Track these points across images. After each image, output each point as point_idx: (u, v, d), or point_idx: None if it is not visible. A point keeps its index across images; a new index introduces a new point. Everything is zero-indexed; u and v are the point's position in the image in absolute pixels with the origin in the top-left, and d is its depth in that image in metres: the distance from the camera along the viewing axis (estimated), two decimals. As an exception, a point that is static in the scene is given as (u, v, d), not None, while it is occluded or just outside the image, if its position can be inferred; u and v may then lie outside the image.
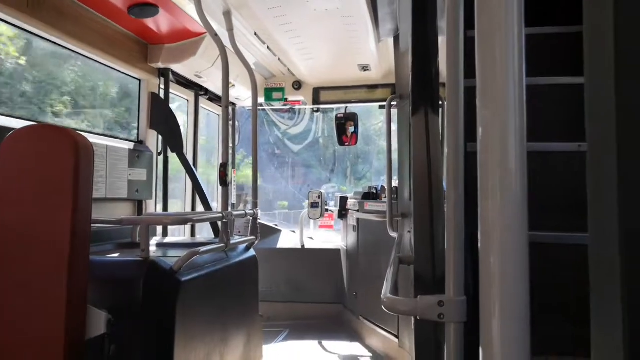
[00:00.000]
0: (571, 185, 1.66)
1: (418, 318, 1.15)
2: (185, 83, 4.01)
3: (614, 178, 0.59)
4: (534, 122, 1.02)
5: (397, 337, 3.50)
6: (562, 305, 1.43)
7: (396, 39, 3.62)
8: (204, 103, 4.40)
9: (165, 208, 3.71)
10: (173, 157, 3.73)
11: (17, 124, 2.36)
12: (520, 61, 0.62)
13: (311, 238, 5.46)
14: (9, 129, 1.91)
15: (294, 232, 5.42)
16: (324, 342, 4.07)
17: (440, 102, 1.69)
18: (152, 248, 2.33)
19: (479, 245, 0.63)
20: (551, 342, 1.39)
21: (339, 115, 4.96)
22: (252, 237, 3.06)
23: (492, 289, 0.60)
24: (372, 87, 4.74)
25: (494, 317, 0.60)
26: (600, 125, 0.62)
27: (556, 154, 1.70)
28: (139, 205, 3.43)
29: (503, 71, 0.62)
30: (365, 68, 4.39)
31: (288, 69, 4.55)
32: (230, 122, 4.85)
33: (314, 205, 4.94)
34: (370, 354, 3.80)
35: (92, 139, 1.70)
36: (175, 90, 3.86)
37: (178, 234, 4.28)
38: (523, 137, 0.62)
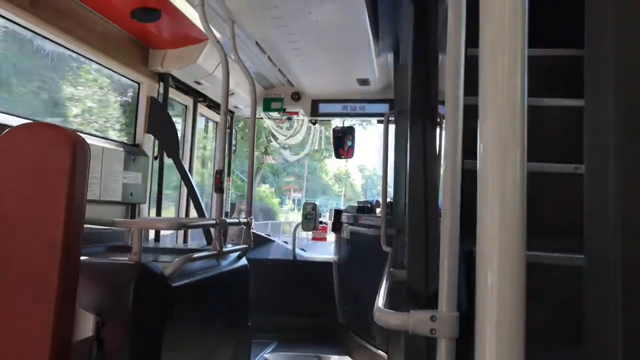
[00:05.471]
0: (566, 207, 1.66)
1: (410, 333, 1.14)
2: (184, 89, 4.01)
3: (612, 202, 0.59)
4: (530, 142, 1.03)
5: (386, 353, 3.48)
6: (558, 325, 1.42)
7: (396, 54, 3.65)
8: (202, 110, 4.40)
9: (158, 213, 3.69)
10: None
11: (15, 121, 2.35)
12: (522, 80, 0.62)
13: (303, 250, 5.43)
14: (5, 126, 1.90)
15: (286, 243, 5.40)
16: (313, 356, 4.03)
17: (438, 119, 1.69)
18: (144, 252, 2.32)
19: (477, 261, 0.62)
20: None
21: (336, 128, 4.98)
22: (245, 246, 3.04)
23: (488, 306, 0.60)
24: (371, 101, 4.76)
25: (490, 334, 0.59)
26: (598, 148, 0.62)
27: (552, 175, 1.70)
28: (132, 209, 3.41)
29: (504, 89, 0.62)
30: (364, 82, 4.42)
31: (287, 80, 4.57)
32: (228, 130, 4.86)
33: (308, 217, 4.91)
34: None
35: (88, 139, 1.69)
36: (174, 95, 3.86)
37: (170, 240, 4.25)
38: (523, 155, 0.62)
